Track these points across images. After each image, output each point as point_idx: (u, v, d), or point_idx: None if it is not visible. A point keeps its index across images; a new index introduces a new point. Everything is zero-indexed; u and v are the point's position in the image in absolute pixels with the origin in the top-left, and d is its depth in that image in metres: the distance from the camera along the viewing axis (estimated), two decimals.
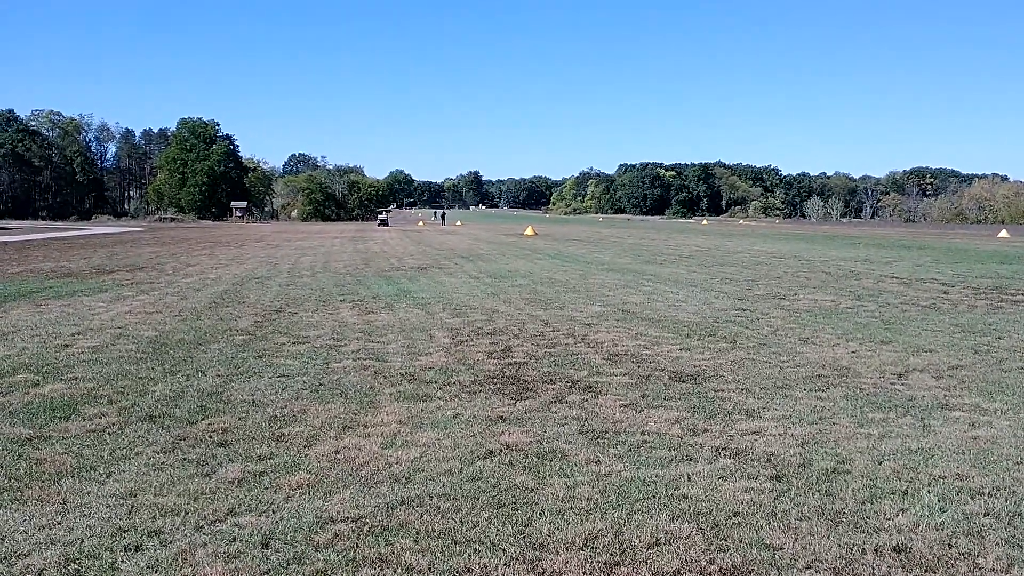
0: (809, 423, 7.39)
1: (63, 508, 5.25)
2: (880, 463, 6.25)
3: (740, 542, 4.80)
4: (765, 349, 11.20)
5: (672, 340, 11.90)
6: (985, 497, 5.54)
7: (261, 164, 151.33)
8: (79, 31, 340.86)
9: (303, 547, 4.70)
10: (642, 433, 7.02)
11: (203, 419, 7.37)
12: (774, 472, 6.02)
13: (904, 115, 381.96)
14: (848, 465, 6.19)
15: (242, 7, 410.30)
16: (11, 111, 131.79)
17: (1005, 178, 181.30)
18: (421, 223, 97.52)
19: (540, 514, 5.21)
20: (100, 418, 7.36)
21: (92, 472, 5.93)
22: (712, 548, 4.72)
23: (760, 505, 5.37)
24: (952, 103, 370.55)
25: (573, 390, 8.65)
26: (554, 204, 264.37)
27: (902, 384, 9.04)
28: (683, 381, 9.10)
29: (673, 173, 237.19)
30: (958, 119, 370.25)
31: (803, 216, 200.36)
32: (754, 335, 12.41)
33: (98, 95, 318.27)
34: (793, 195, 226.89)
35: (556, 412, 7.74)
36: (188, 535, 4.86)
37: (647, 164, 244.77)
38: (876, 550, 4.71)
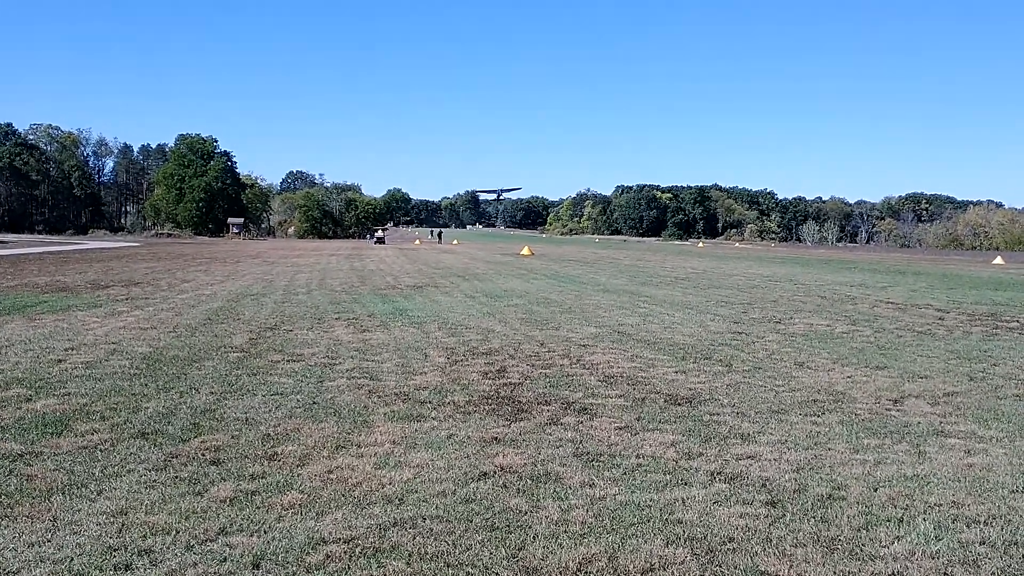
0: (804, 448, 7.37)
1: (53, 525, 5.21)
2: (876, 490, 6.22)
3: (735, 568, 4.77)
4: (760, 373, 11.19)
5: (667, 362, 11.89)
6: (981, 525, 5.52)
7: (259, 181, 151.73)
8: (79, 46, 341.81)
9: (294, 568, 4.67)
10: (637, 456, 6.99)
11: (196, 437, 7.33)
12: (769, 497, 5.99)
13: (900, 141, 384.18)
14: (843, 491, 6.17)
15: (242, 24, 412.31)
16: (9, 125, 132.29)
17: (1000, 205, 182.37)
18: (418, 241, 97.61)
19: (534, 537, 5.17)
20: (92, 434, 7.31)
21: (83, 489, 5.88)
22: (706, 574, 4.69)
23: (755, 531, 5.34)
24: (948, 130, 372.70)
25: (568, 412, 8.63)
26: (551, 224, 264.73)
27: (897, 410, 9.03)
28: (678, 404, 9.08)
29: (670, 195, 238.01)
30: (953, 146, 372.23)
31: (799, 240, 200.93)
32: (749, 359, 12.40)
33: (97, 110, 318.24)
34: (789, 219, 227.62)
35: (551, 434, 7.71)
36: (178, 554, 4.81)
37: (644, 186, 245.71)
38: None
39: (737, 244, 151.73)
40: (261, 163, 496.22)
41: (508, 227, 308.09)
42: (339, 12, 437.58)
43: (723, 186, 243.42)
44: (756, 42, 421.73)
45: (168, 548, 4.90)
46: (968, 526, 5.51)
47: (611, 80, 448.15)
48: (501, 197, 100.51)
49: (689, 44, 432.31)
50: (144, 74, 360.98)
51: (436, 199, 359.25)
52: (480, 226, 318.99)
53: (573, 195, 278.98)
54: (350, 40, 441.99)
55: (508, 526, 5.35)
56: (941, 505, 5.92)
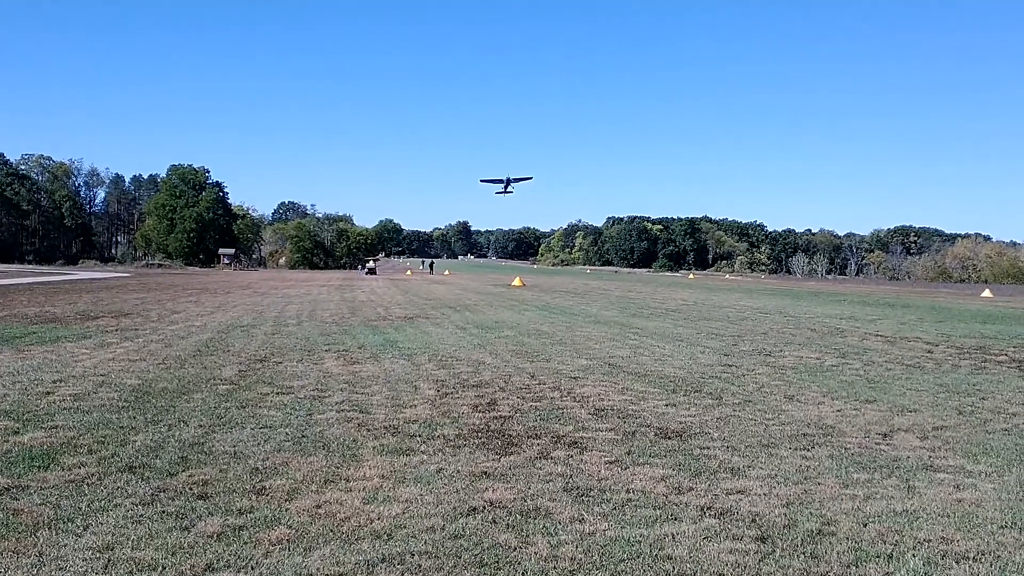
0: (794, 483, 7.37)
1: (39, 561, 5.17)
2: (865, 525, 6.22)
3: None
4: (750, 406, 11.20)
5: (658, 395, 11.89)
6: (970, 562, 5.52)
7: (250, 211, 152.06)
8: (72, 76, 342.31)
9: None
10: (627, 491, 6.98)
11: (184, 470, 7.29)
12: (759, 533, 5.99)
13: (889, 174, 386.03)
14: (833, 527, 6.17)
15: (235, 55, 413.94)
16: (1, 154, 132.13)
17: (988, 238, 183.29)
18: (409, 272, 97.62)
19: (523, 574, 5.15)
20: (79, 468, 7.27)
21: (69, 524, 5.84)
22: None
23: (745, 567, 5.33)
24: (936, 164, 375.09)
25: (558, 446, 8.61)
26: (542, 255, 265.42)
27: (887, 444, 9.04)
28: (669, 438, 9.08)
29: (660, 227, 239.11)
30: (942, 180, 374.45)
31: (788, 272, 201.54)
32: (740, 392, 12.42)
33: (89, 140, 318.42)
34: (779, 251, 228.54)
35: (541, 468, 7.69)
36: None
37: (635, 217, 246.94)
38: None
39: (727, 276, 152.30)
40: (253, 194, 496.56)
41: (500, 258, 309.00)
42: (331, 43, 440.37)
43: (713, 218, 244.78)
44: (745, 75, 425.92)
45: None
46: (957, 562, 5.51)
47: (601, 112, 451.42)
48: (510, 187, 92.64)
49: (679, 77, 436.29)
50: (137, 104, 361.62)
51: (428, 230, 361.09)
52: (472, 257, 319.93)
53: (564, 226, 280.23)
54: (342, 72, 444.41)
55: (497, 562, 5.33)
56: (930, 541, 5.92)
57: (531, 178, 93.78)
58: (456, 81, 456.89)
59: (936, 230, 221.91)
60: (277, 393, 11.38)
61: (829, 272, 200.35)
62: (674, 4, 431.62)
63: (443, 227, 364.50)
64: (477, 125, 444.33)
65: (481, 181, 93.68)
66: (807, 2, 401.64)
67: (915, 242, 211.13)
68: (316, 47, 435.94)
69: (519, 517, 6.24)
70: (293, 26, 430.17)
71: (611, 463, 7.91)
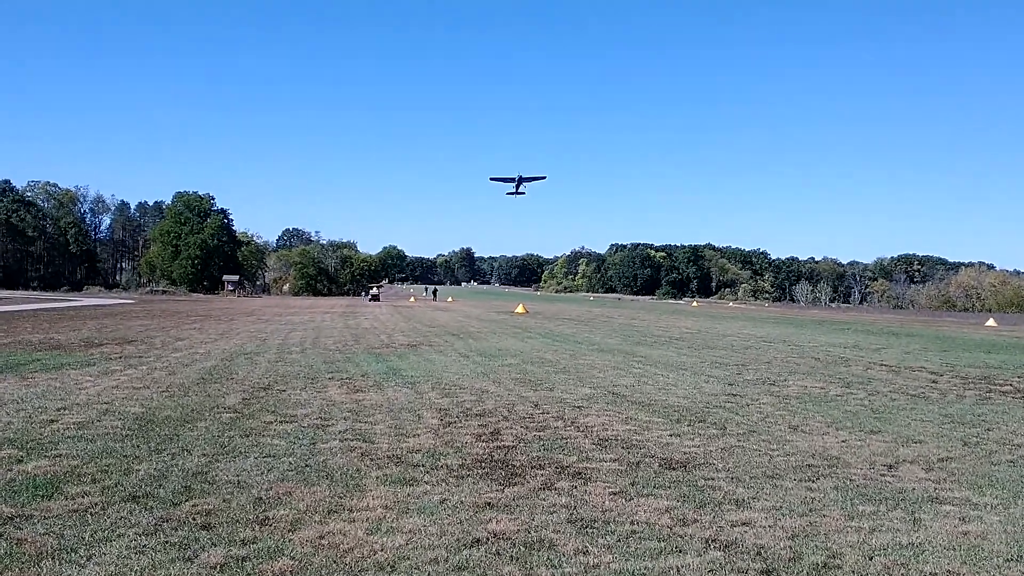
0: (799, 515, 7.34)
1: None
2: (871, 558, 6.19)
3: None
4: (755, 436, 11.17)
5: (662, 425, 11.87)
6: None
7: (255, 238, 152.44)
8: (79, 103, 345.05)
9: None
10: (632, 523, 6.96)
11: (187, 500, 7.29)
12: (764, 566, 5.96)
13: (892, 203, 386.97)
14: (839, 560, 6.14)
15: (240, 83, 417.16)
16: (7, 181, 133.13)
17: (991, 266, 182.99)
18: (412, 299, 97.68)
19: None
20: (83, 497, 7.27)
21: (73, 554, 5.83)
22: None
23: None
24: (939, 192, 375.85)
25: (562, 476, 8.59)
26: (545, 282, 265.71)
27: (892, 476, 9.00)
28: (673, 468, 9.05)
29: (663, 254, 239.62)
30: (945, 208, 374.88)
31: (792, 300, 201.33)
32: (744, 421, 12.38)
33: (96, 167, 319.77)
34: (782, 279, 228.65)
35: (545, 499, 7.67)
36: None
37: (638, 244, 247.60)
38: None
39: (731, 304, 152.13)
40: (258, 220, 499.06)
41: (503, 284, 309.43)
42: (335, 72, 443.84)
43: (716, 245, 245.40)
44: (748, 102, 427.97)
45: None
46: None
47: (605, 138, 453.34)
48: (522, 187, 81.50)
49: (682, 105, 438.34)
50: (143, 132, 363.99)
51: (431, 256, 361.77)
52: (475, 283, 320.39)
53: (567, 253, 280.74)
54: (348, 100, 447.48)
55: None
56: (937, 574, 5.89)
57: (544, 177, 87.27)
58: (459, 108, 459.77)
59: (940, 258, 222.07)
60: (280, 422, 11.38)
61: (832, 300, 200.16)
62: (675, 31, 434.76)
63: (447, 253, 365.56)
64: (481, 152, 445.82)
65: (491, 179, 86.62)
66: (809, 33, 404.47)
67: (919, 270, 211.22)
68: (321, 75, 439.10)
69: (523, 549, 6.22)
70: (298, 54, 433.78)
71: (615, 494, 7.89)
